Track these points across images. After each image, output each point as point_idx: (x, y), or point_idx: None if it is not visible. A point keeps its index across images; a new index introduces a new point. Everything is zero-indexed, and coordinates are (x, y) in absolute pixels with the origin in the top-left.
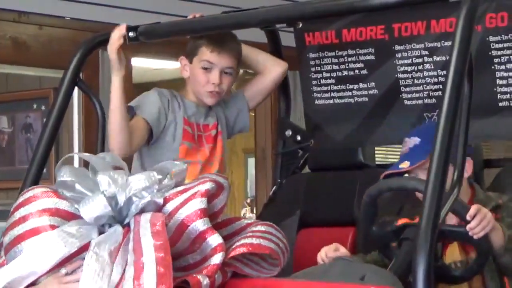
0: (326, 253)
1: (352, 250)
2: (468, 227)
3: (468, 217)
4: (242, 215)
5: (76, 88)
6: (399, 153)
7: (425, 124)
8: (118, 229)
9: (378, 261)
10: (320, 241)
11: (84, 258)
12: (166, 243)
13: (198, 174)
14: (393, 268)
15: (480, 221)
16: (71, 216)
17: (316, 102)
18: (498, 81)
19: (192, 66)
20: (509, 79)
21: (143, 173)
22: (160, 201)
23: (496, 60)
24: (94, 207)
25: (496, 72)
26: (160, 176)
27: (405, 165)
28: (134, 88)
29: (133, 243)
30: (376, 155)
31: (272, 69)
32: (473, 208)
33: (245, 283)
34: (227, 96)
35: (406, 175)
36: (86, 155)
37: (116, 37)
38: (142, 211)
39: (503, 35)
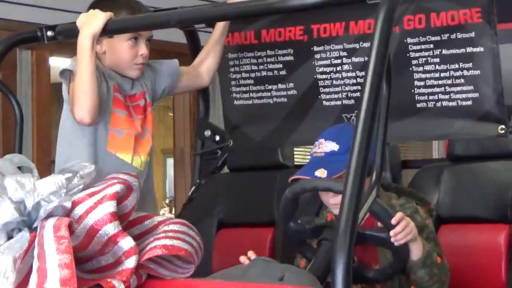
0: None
1: (271, 250)
2: (392, 232)
3: (393, 221)
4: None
5: None
6: None
7: (341, 126)
8: (25, 234)
9: None
10: (239, 242)
11: None
12: (69, 246)
13: (133, 147)
14: (312, 268)
15: (403, 228)
16: None
17: (235, 102)
18: (416, 83)
19: (113, 40)
20: (427, 80)
21: (51, 177)
22: (68, 205)
23: (414, 62)
24: (0, 214)
25: (414, 74)
26: (69, 174)
27: (322, 174)
28: (51, 88)
29: (38, 249)
30: (295, 156)
31: (205, 77)
32: (398, 214)
33: (162, 285)
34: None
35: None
36: None
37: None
38: (50, 215)
39: (420, 37)
